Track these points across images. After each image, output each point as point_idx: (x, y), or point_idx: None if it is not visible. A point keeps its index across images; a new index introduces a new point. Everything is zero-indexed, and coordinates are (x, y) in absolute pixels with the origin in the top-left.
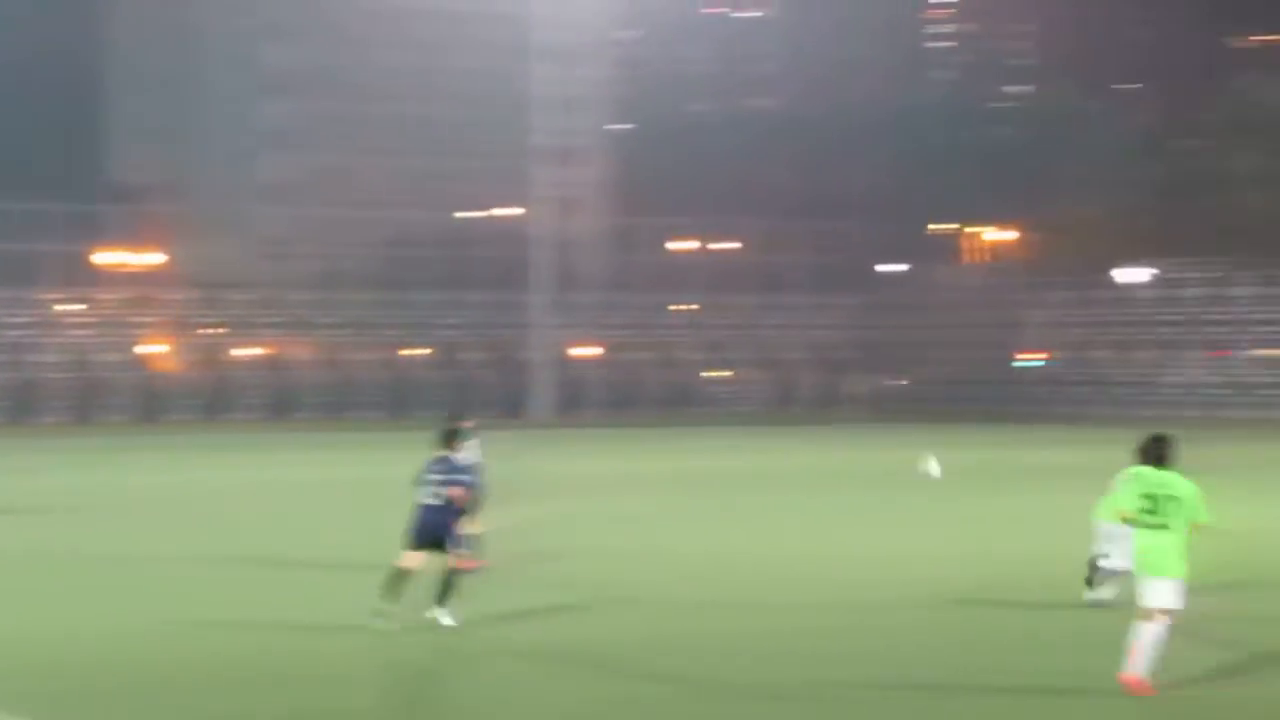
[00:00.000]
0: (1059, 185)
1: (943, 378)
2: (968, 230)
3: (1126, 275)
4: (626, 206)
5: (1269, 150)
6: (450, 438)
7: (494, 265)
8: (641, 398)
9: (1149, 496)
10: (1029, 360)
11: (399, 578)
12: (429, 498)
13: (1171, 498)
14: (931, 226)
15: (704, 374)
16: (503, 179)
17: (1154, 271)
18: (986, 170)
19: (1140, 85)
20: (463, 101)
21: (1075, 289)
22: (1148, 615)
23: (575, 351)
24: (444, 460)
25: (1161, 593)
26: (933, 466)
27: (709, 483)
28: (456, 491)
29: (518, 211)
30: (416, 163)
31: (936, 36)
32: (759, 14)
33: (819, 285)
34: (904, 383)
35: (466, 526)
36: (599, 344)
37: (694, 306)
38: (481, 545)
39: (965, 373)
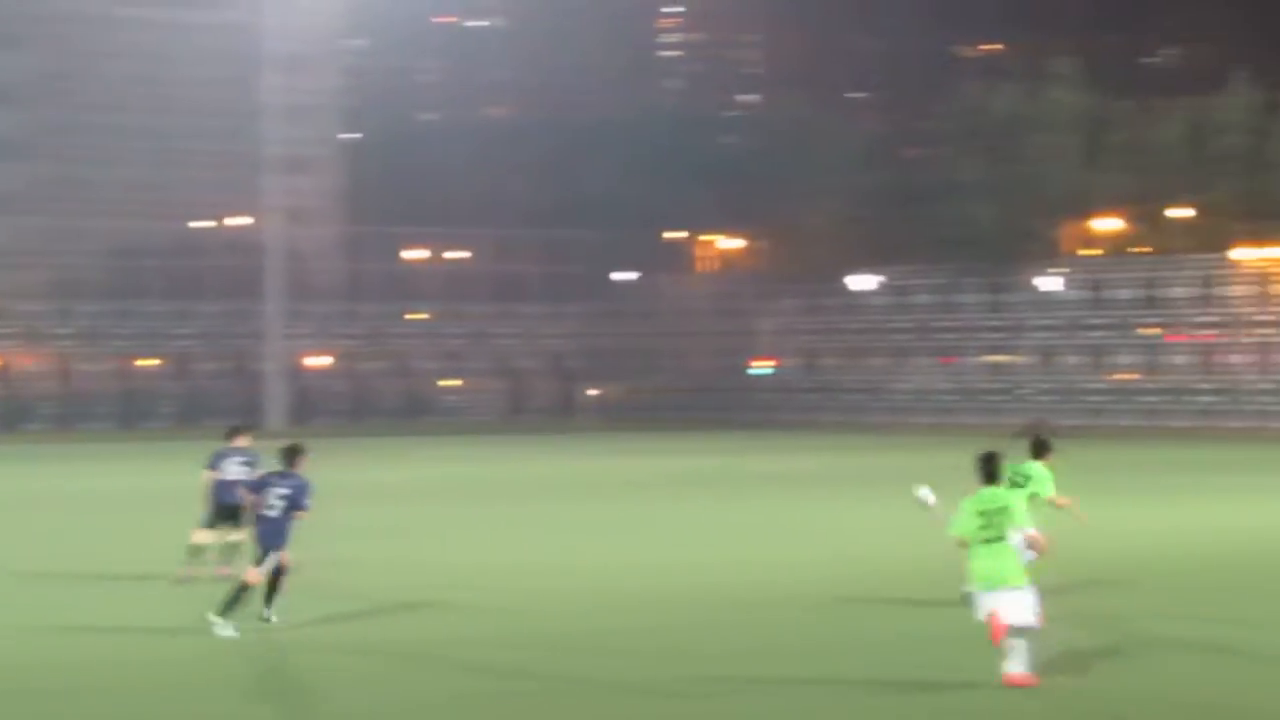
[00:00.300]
0: (789, 193)
1: (675, 386)
2: (700, 238)
3: (857, 282)
4: (358, 215)
5: (995, 158)
6: (291, 456)
7: (226, 275)
8: (377, 407)
9: (983, 514)
10: (760, 368)
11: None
12: (269, 509)
13: (1001, 509)
14: (664, 234)
15: (439, 383)
16: (234, 188)
17: (882, 279)
18: (717, 178)
19: (868, 94)
20: (192, 111)
21: (805, 296)
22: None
23: (309, 361)
24: (289, 475)
25: (1016, 606)
26: (925, 494)
27: (449, 492)
28: (304, 515)
29: (249, 221)
30: (146, 172)
31: (666, 45)
32: (489, 22)
33: (552, 294)
34: (635, 391)
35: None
36: (333, 353)
37: (428, 315)
38: (239, 556)
39: (697, 381)
